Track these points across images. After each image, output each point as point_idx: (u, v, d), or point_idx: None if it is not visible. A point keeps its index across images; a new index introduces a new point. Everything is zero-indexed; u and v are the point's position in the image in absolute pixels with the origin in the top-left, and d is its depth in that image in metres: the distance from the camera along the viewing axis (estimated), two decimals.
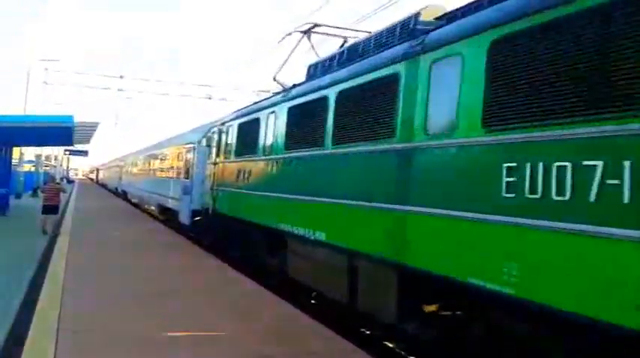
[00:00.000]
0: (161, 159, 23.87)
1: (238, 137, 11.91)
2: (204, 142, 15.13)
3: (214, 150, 13.98)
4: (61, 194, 16.91)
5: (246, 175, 10.88)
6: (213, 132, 14.37)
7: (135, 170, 34.33)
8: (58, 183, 19.78)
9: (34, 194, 33.08)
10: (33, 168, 46.20)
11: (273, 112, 9.85)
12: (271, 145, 9.67)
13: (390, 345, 7.21)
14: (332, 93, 7.59)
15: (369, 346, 6.49)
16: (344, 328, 7.09)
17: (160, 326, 6.27)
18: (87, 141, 36.86)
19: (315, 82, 8.39)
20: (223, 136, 13.16)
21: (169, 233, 17.88)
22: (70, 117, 16.61)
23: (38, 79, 40.35)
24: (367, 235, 6.38)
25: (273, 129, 9.70)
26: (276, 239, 9.40)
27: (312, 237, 7.71)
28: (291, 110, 9.03)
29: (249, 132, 11.17)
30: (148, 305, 7.41)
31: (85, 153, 53.46)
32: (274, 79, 12.77)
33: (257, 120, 10.68)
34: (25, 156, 40.68)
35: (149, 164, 27.79)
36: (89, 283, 8.66)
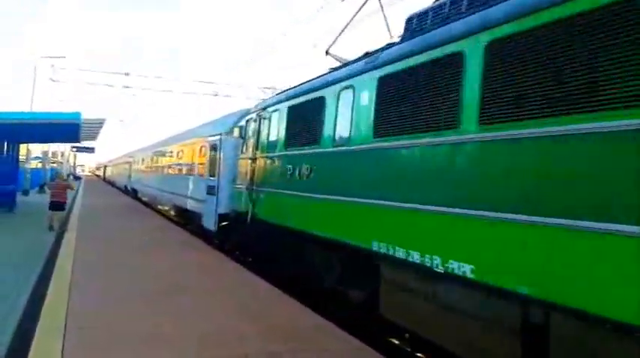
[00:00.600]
0: (178, 154, 20.78)
1: (289, 124, 9.09)
2: (235, 133, 12.26)
3: (251, 141, 11.16)
4: (68, 190, 16.22)
5: (304, 173, 8.09)
6: (250, 120, 11.55)
7: (146, 166, 30.90)
8: (65, 180, 18.37)
9: (41, 190, 32.28)
10: (40, 165, 44.33)
11: (349, 87, 7.05)
12: (349, 132, 6.90)
13: (397, 343, 6.78)
14: (473, 47, 4.79)
15: (378, 344, 6.15)
16: (354, 327, 6.67)
17: (167, 324, 6.05)
18: (93, 138, 35.18)
19: (432, 36, 5.58)
20: (265, 124, 10.34)
21: (180, 231, 16.43)
22: (78, 114, 15.99)
23: (43, 77, 38.27)
24: (579, 280, 3.60)
25: (350, 110, 6.92)
26: (360, 261, 6.63)
27: (439, 269, 4.92)
28: (383, 81, 6.24)
29: (307, 116, 8.37)
30: (156, 303, 7.08)
31: (91, 149, 51.58)
32: (327, 53, 10.04)
33: (320, 101, 7.88)
34: (32, 153, 38.85)
35: (163, 160, 24.69)
36: (97, 280, 8.37)
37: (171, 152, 22.36)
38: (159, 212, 24.36)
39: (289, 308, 7.07)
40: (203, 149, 15.98)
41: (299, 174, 8.31)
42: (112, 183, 61.63)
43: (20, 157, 28.00)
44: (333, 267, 7.40)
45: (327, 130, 7.55)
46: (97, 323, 5.94)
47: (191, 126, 22.86)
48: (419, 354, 6.55)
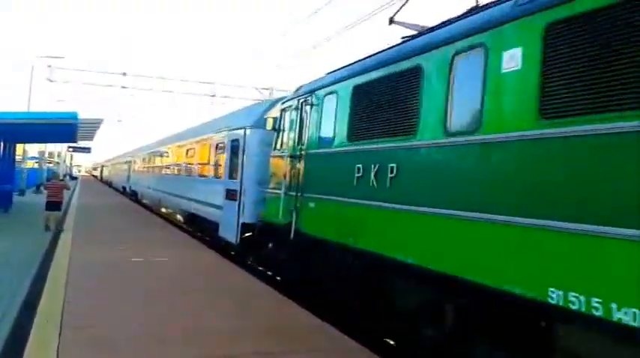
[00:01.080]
0: (188, 153, 18.06)
1: (356, 108, 6.63)
2: (268, 125, 9.74)
3: (291, 134, 8.71)
4: (64, 191, 15.95)
5: (386, 175, 5.66)
6: (287, 109, 9.10)
7: (148, 166, 27.98)
8: (61, 180, 18.26)
9: (38, 191, 31.46)
10: (36, 165, 42.17)
11: (474, 47, 4.63)
12: (479, 115, 4.49)
13: (392, 343, 6.49)
14: None
15: (373, 344, 5.82)
16: (349, 327, 6.34)
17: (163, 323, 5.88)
18: (90, 138, 33.15)
19: None
20: (313, 112, 7.90)
21: (179, 233, 15.38)
22: (75, 114, 15.41)
23: (41, 76, 36.36)
24: None
25: (478, 80, 4.50)
26: (501, 313, 4.19)
27: None
28: (561, 27, 3.80)
29: (387, 96, 5.96)
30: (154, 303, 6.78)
31: (88, 149, 49.47)
32: (392, 22, 7.73)
33: (414, 72, 5.49)
34: (29, 153, 36.77)
35: (168, 159, 21.93)
36: (92, 280, 8.08)
37: (179, 150, 19.75)
38: (162, 216, 21.86)
39: (281, 306, 6.95)
40: (220, 146, 13.46)
41: (376, 176, 5.88)
42: (109, 184, 58.33)
43: (17, 157, 27.48)
44: (443, 316, 4.96)
45: (428, 113, 5.14)
46: (92, 323, 5.78)
47: (192, 125, 20.66)
48: None
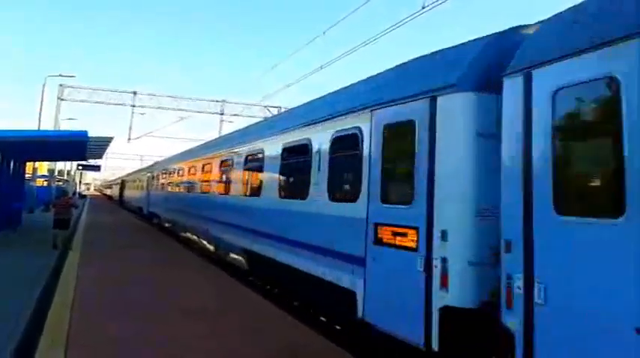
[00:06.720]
0: None
1: None
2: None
3: None
4: (72, 209, 15.73)
5: None
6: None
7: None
8: (69, 198, 17.86)
9: (46, 209, 30.66)
10: (45, 183, 41.95)
11: None
12: None
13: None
14: None
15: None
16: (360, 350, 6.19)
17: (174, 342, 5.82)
18: (100, 156, 32.42)
19: None
20: None
21: None
22: (85, 132, 15.25)
23: (52, 94, 36.48)
24: None
25: None
26: None
27: None
28: None
29: None
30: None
31: (97, 168, 48.67)
32: None
33: None
34: (38, 171, 36.53)
35: None
36: (98, 296, 7.99)
37: None
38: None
39: (292, 330, 6.69)
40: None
41: None
42: (143, 213, 30.19)
43: (26, 175, 27.36)
44: None
45: None
46: (98, 339, 5.75)
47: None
48: None
